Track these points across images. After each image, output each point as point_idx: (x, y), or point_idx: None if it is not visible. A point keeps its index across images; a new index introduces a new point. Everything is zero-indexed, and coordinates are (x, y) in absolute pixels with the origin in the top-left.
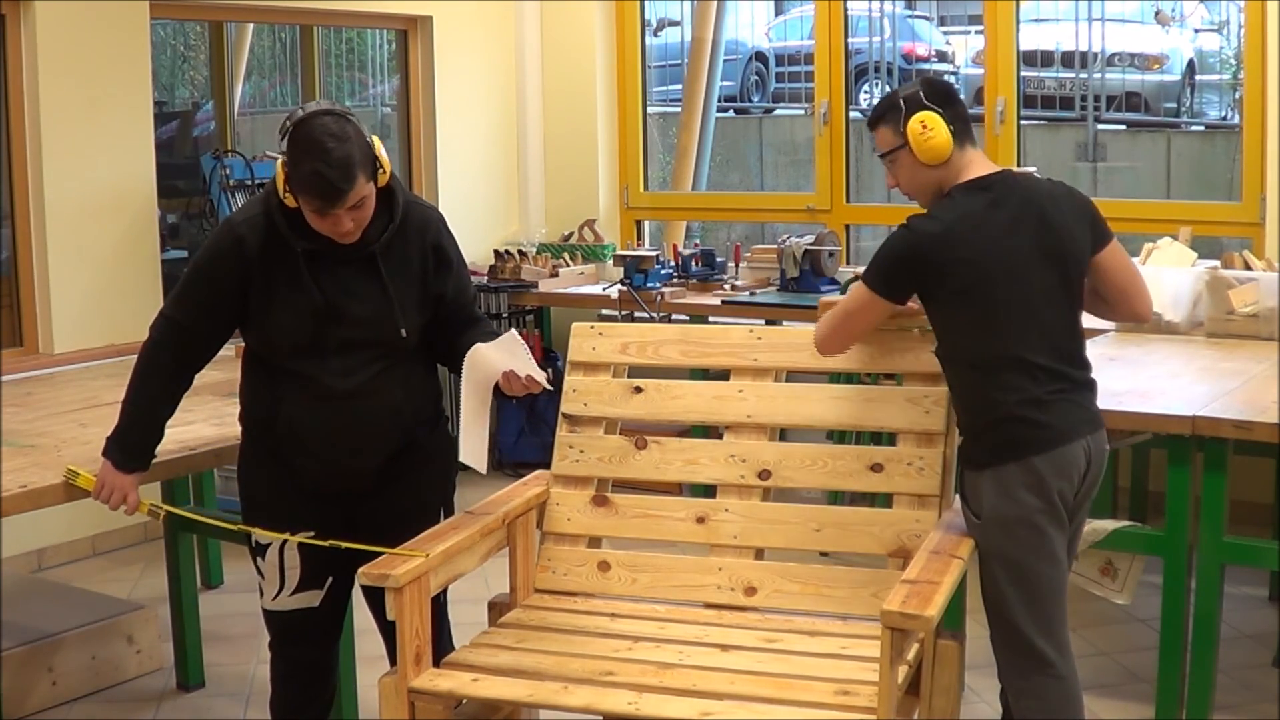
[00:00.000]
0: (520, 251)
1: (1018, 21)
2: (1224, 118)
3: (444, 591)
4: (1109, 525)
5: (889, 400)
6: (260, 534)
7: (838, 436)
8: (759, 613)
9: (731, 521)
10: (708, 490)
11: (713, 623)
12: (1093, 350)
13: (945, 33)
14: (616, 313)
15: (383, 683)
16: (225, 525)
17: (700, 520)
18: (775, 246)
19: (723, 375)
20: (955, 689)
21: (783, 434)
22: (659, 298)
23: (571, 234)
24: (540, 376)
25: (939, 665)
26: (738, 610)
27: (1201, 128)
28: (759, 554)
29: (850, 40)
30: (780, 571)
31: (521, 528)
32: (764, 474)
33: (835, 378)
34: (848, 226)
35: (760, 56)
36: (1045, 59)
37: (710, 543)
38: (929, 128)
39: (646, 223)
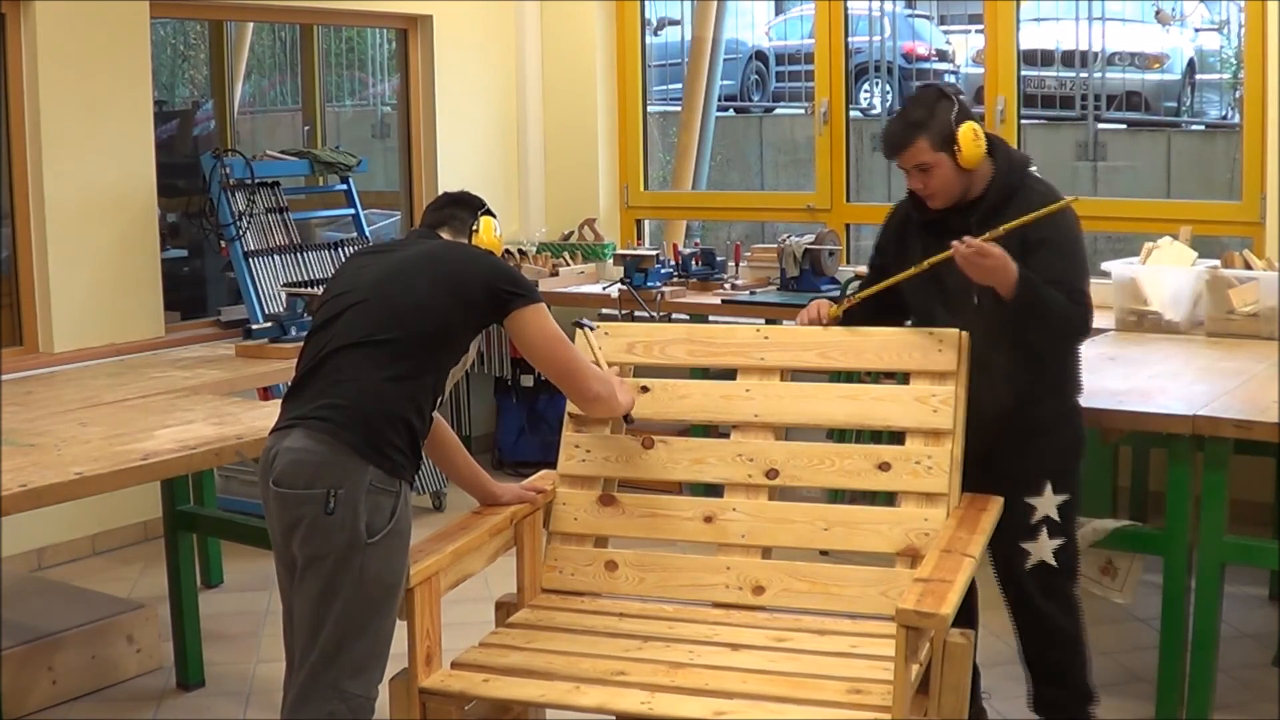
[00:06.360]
0: (520, 251)
1: (1018, 21)
2: (1224, 117)
3: None
4: (1109, 525)
5: (896, 399)
6: None
7: (838, 435)
8: (767, 612)
9: (739, 520)
10: (714, 490)
11: (722, 622)
12: (1093, 349)
13: (945, 32)
14: (616, 312)
15: (393, 684)
16: None
17: (708, 519)
18: (775, 246)
19: (726, 374)
20: (965, 687)
21: (788, 433)
22: (659, 297)
23: (571, 233)
24: None
25: (949, 663)
26: (746, 609)
27: (1202, 127)
28: (766, 553)
29: (850, 39)
30: (788, 570)
31: (529, 527)
32: (771, 473)
33: (835, 377)
34: (848, 225)
35: (760, 56)
36: (1045, 58)
37: (718, 542)
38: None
39: (646, 222)
